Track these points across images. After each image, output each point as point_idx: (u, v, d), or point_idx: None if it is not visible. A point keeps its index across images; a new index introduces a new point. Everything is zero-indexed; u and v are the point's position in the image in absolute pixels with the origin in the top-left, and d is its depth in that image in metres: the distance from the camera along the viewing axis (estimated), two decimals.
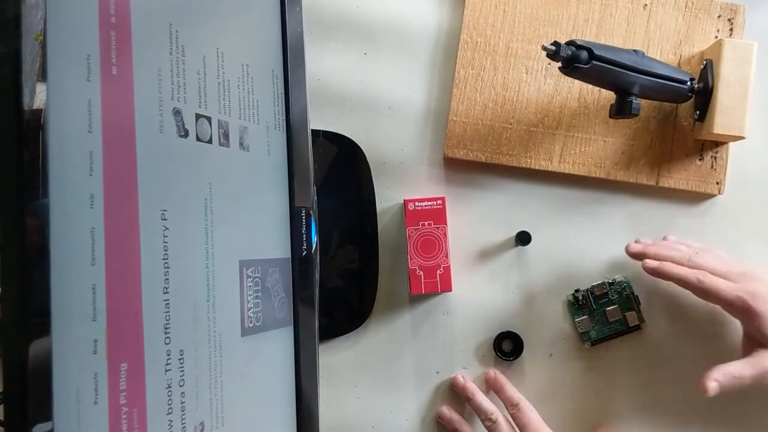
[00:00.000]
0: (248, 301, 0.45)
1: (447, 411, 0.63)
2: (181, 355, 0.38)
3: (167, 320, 0.37)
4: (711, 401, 0.63)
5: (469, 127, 0.64)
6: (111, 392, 0.33)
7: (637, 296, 0.64)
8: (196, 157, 0.41)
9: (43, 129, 0.30)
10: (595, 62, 0.53)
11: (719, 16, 0.64)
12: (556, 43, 0.52)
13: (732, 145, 0.64)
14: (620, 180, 0.64)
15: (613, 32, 0.64)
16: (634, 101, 0.57)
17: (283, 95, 0.52)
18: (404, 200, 0.63)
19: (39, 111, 0.29)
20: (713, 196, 0.65)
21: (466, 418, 0.63)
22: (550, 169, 0.64)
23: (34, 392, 0.29)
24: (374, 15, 0.66)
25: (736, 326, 0.64)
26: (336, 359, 0.65)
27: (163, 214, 0.37)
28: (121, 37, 0.35)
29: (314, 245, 0.55)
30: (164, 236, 0.37)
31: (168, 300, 0.37)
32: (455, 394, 0.64)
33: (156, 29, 0.38)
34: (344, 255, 0.65)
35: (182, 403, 0.38)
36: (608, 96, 0.63)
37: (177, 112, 0.39)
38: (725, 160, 0.64)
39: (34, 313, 0.29)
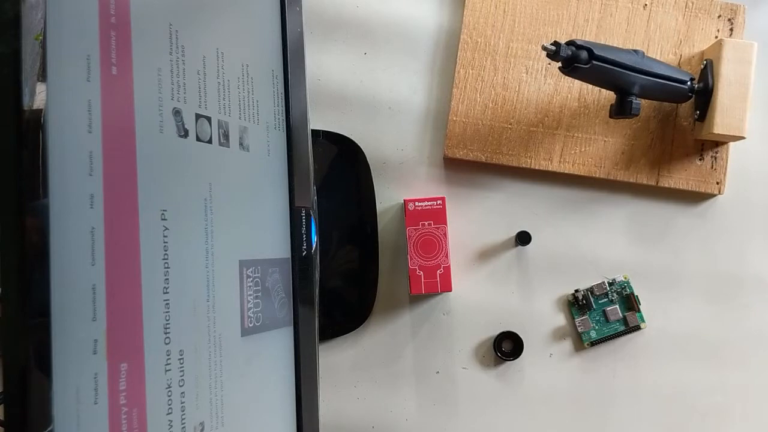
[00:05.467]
0: (248, 301, 0.45)
1: None
2: (181, 355, 0.38)
3: (167, 320, 0.37)
4: (709, 402, 0.63)
5: (469, 127, 0.64)
6: (111, 392, 0.33)
7: (637, 296, 0.64)
8: (196, 157, 0.41)
9: (43, 129, 0.30)
10: (595, 62, 0.53)
11: (719, 16, 0.64)
12: (556, 43, 0.52)
13: (732, 145, 0.64)
14: (620, 180, 0.64)
15: (613, 32, 0.64)
16: (634, 101, 0.57)
17: (283, 95, 0.52)
18: (404, 200, 0.63)
19: (39, 111, 0.29)
20: (713, 196, 0.65)
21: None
22: (550, 169, 0.64)
23: (34, 392, 0.29)
24: (374, 15, 0.66)
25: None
26: (336, 359, 0.65)
27: (163, 214, 0.37)
28: (121, 37, 0.35)
29: (314, 245, 0.55)
30: (164, 236, 0.37)
31: (168, 300, 0.37)
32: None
33: (156, 29, 0.38)
34: (344, 255, 0.65)
35: (182, 403, 0.38)
36: (608, 96, 0.63)
37: (177, 112, 0.39)
38: (725, 160, 0.64)
39: (34, 313, 0.29)
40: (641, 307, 0.64)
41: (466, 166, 0.65)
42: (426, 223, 0.61)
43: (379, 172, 0.66)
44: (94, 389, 0.32)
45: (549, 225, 0.65)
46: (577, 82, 0.63)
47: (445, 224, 0.61)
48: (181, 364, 0.38)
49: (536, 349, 0.65)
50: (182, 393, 0.38)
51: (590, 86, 0.63)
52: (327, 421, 0.64)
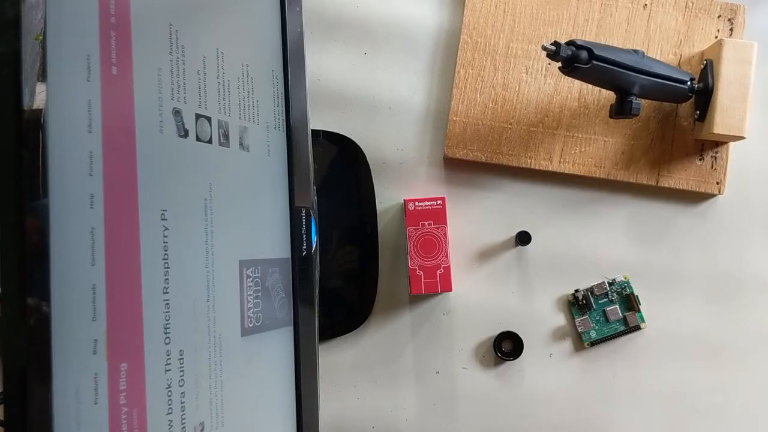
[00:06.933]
0: (248, 301, 0.45)
1: None
2: (181, 355, 0.38)
3: (167, 320, 0.37)
4: (709, 402, 0.63)
5: (469, 127, 0.64)
6: (111, 392, 0.33)
7: (637, 296, 0.64)
8: (196, 157, 0.41)
9: (43, 129, 0.30)
10: (595, 62, 0.53)
11: (719, 16, 0.64)
12: (556, 43, 0.52)
13: (732, 145, 0.64)
14: (620, 180, 0.64)
15: (613, 32, 0.64)
16: (634, 101, 0.57)
17: (283, 95, 0.52)
18: (404, 200, 0.63)
19: (39, 111, 0.29)
20: (713, 196, 0.65)
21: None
22: (550, 169, 0.64)
23: (34, 392, 0.29)
24: (374, 15, 0.66)
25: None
26: (336, 359, 0.65)
27: (163, 214, 0.37)
28: (121, 37, 0.35)
29: (314, 245, 0.55)
30: (164, 236, 0.37)
31: (168, 300, 0.37)
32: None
33: (156, 29, 0.38)
34: (344, 255, 0.65)
35: (182, 403, 0.38)
36: (608, 96, 0.63)
37: (177, 112, 0.39)
38: (725, 160, 0.64)
39: (34, 313, 0.29)
40: (641, 307, 0.64)
41: (466, 166, 0.65)
42: (426, 223, 0.61)
43: (379, 172, 0.66)
44: (94, 389, 0.32)
45: (549, 225, 0.65)
46: (577, 82, 0.63)
47: (445, 224, 0.61)
48: (181, 364, 0.38)
49: (536, 349, 0.65)
50: (182, 393, 0.38)
51: (590, 86, 0.63)
52: (327, 421, 0.64)
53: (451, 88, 0.65)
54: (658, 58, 0.62)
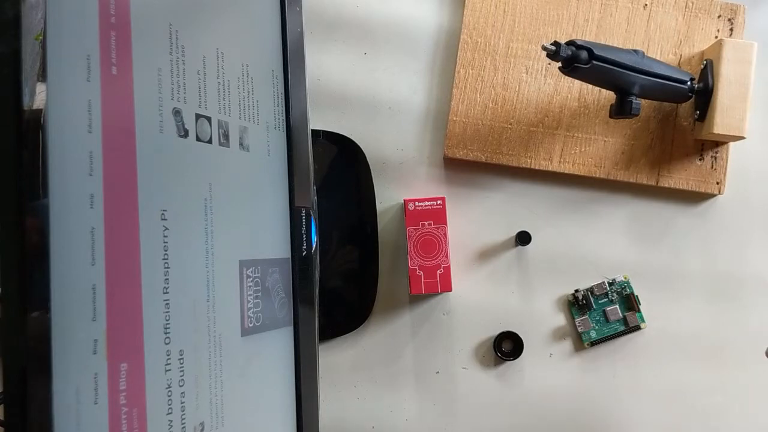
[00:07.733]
0: (248, 301, 0.45)
1: None
2: (181, 355, 0.38)
3: (167, 320, 0.37)
4: (709, 402, 0.63)
5: (469, 127, 0.64)
6: (111, 392, 0.33)
7: (637, 296, 0.64)
8: (196, 157, 0.41)
9: (43, 129, 0.30)
10: (595, 62, 0.53)
11: (719, 16, 0.64)
12: (556, 43, 0.52)
13: (732, 145, 0.64)
14: (620, 180, 0.64)
15: (613, 32, 0.64)
16: (634, 101, 0.57)
17: (283, 95, 0.52)
18: (404, 200, 0.63)
19: (39, 111, 0.29)
20: (713, 196, 0.65)
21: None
22: (550, 169, 0.64)
23: (34, 392, 0.29)
24: (374, 15, 0.66)
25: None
26: (336, 359, 0.65)
27: (163, 214, 0.37)
28: (121, 37, 0.35)
29: (314, 245, 0.55)
30: (164, 236, 0.37)
31: (168, 300, 0.37)
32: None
33: (156, 29, 0.38)
34: (344, 255, 0.65)
35: (182, 403, 0.38)
36: (608, 96, 0.63)
37: (177, 112, 0.39)
38: (725, 160, 0.64)
39: (34, 314, 0.29)
40: (641, 307, 0.64)
41: (466, 166, 0.65)
42: (426, 223, 0.61)
43: (379, 172, 0.66)
44: (94, 389, 0.32)
45: (549, 225, 0.65)
46: (577, 82, 0.63)
47: (445, 224, 0.61)
48: (181, 364, 0.38)
49: (536, 349, 0.65)
50: (182, 393, 0.38)
51: (590, 86, 0.63)
52: (327, 421, 0.64)
53: (451, 88, 0.65)
54: (658, 58, 0.62)
